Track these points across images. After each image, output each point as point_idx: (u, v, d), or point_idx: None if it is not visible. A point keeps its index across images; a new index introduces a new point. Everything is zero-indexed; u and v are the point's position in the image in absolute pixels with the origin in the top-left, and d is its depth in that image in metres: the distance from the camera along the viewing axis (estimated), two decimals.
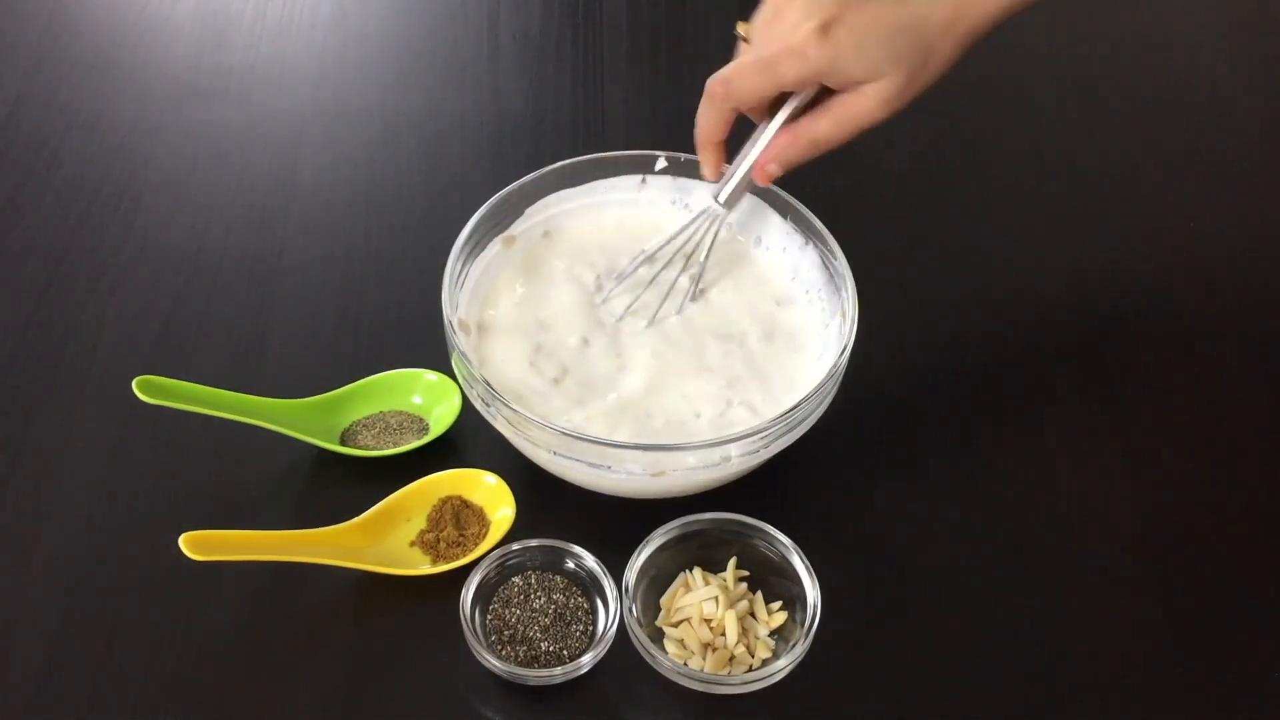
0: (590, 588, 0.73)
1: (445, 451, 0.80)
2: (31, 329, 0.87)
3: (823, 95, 0.72)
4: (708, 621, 0.72)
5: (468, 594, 0.71)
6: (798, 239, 0.82)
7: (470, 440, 0.81)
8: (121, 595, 0.74)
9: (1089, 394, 0.86)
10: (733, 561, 0.74)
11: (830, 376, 0.73)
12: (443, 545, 0.75)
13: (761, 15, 0.73)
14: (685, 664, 0.70)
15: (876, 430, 0.83)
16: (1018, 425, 0.84)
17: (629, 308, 0.80)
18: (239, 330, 0.87)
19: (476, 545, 0.75)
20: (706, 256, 0.81)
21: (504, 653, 0.71)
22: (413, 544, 0.76)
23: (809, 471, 0.80)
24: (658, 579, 0.74)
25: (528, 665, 0.70)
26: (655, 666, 0.70)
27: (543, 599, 0.72)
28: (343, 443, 0.80)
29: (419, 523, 0.77)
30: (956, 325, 0.90)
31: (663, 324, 0.80)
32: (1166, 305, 0.92)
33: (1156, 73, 1.09)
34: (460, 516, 0.76)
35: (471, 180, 0.97)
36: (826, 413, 0.75)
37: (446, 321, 0.74)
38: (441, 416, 0.81)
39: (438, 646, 0.72)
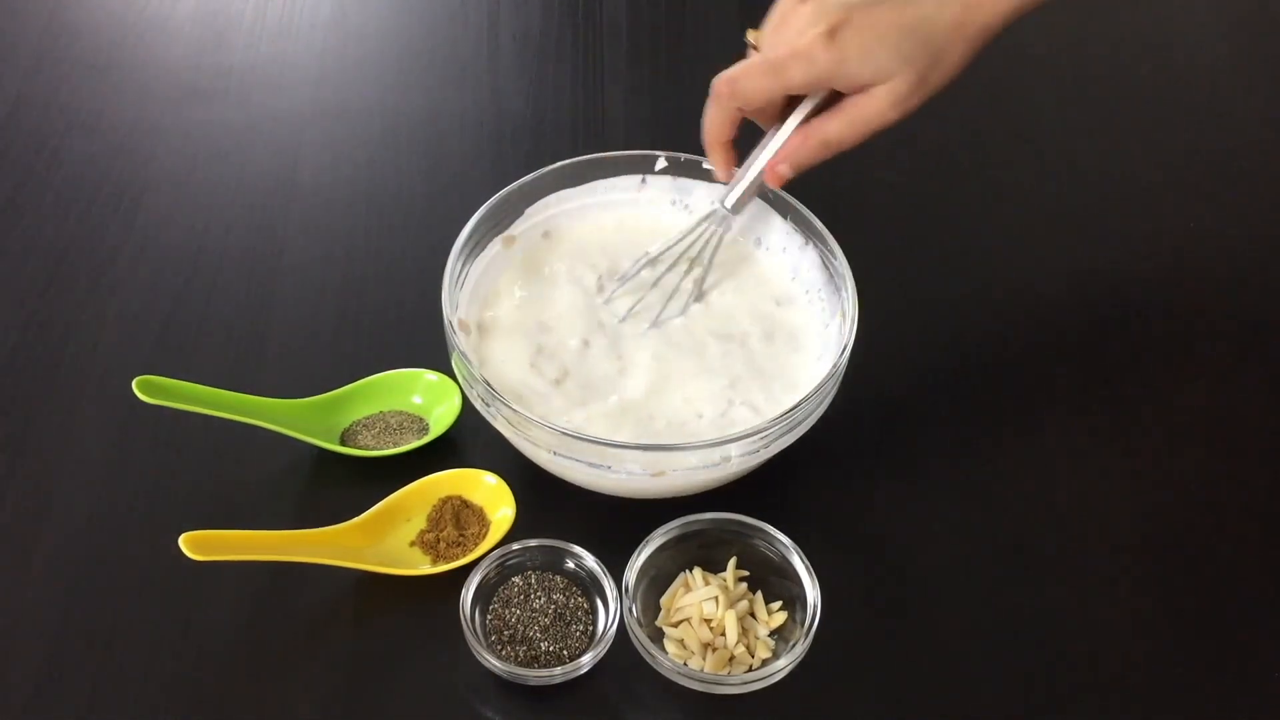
0: (590, 588, 0.73)
1: (445, 451, 0.80)
2: (31, 329, 0.87)
3: (834, 100, 0.73)
4: (708, 621, 0.72)
5: (468, 594, 0.71)
6: (798, 239, 0.82)
7: (470, 440, 0.81)
8: (121, 595, 0.74)
9: (1089, 394, 0.86)
10: (733, 561, 0.74)
11: (830, 376, 0.73)
12: (443, 545, 0.75)
13: (770, 21, 0.73)
14: (685, 664, 0.70)
15: (876, 430, 0.83)
16: (1018, 425, 0.84)
17: (631, 309, 0.80)
18: (239, 330, 0.87)
19: (476, 545, 0.75)
20: (710, 259, 0.81)
21: (504, 653, 0.71)
22: (413, 544, 0.76)
23: (809, 471, 0.80)
24: (658, 579, 0.74)
25: (528, 665, 0.70)
26: (655, 666, 0.70)
27: (543, 599, 0.72)
28: (343, 443, 0.80)
29: (419, 523, 0.77)
30: (956, 325, 0.90)
31: (663, 326, 0.80)
32: (1166, 305, 0.92)
33: (1156, 73, 1.09)
34: (460, 516, 0.76)
35: (471, 180, 0.97)
36: (826, 413, 0.75)
37: (446, 321, 0.74)
38: (441, 416, 0.81)
39: (438, 646, 0.72)
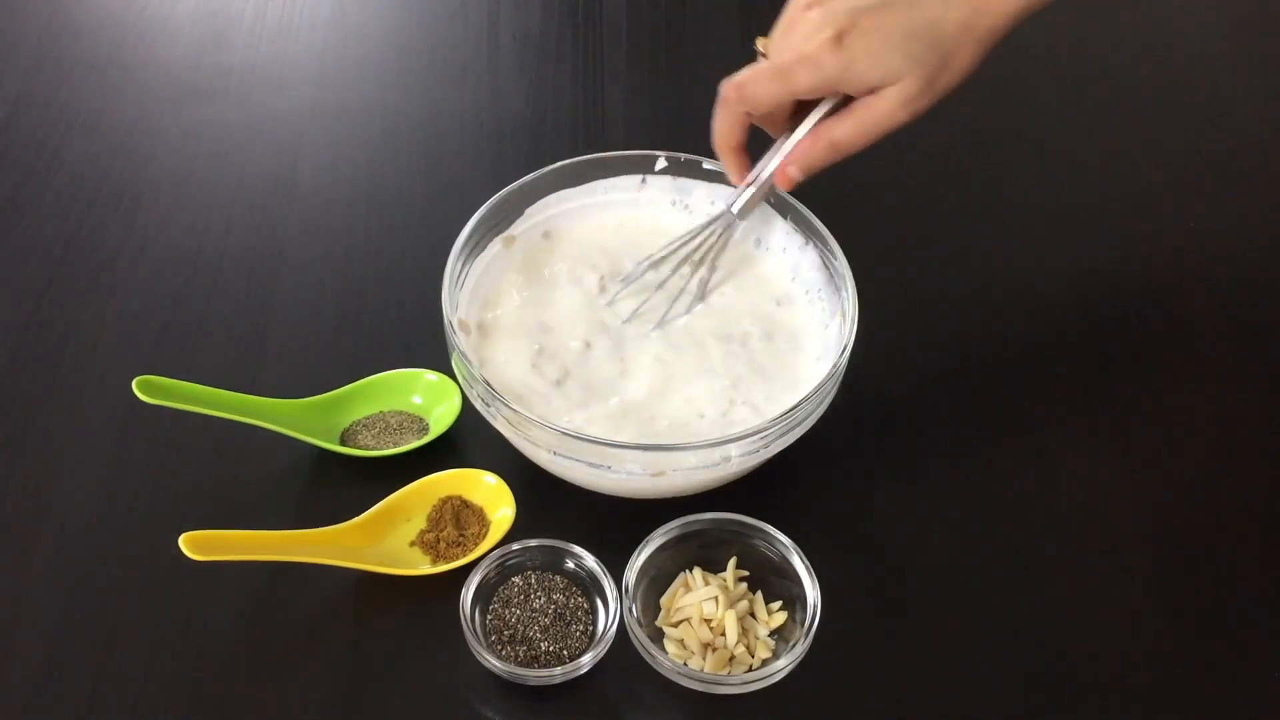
0: (590, 588, 0.73)
1: (445, 451, 0.80)
2: (31, 329, 0.87)
3: (845, 105, 0.73)
4: (708, 621, 0.72)
5: (468, 594, 0.71)
6: (798, 239, 0.82)
7: (470, 440, 0.81)
8: (121, 595, 0.74)
9: (1089, 394, 0.86)
10: (733, 561, 0.74)
11: (830, 376, 0.73)
12: (443, 545, 0.75)
13: (778, 28, 0.74)
14: (685, 664, 0.70)
15: (876, 430, 0.83)
16: (1018, 425, 0.84)
17: (635, 310, 0.80)
18: (239, 330, 0.87)
19: (476, 545, 0.75)
20: (715, 261, 0.81)
21: (504, 653, 0.71)
22: (413, 544, 0.76)
23: (809, 471, 0.80)
24: (658, 579, 0.74)
25: (528, 665, 0.70)
26: (655, 666, 0.70)
27: (543, 599, 0.72)
28: (343, 443, 0.80)
29: (419, 523, 0.77)
30: (956, 325, 0.90)
31: (665, 327, 0.80)
32: (1166, 305, 0.92)
33: (1156, 73, 1.09)
34: (460, 516, 0.76)
35: (471, 180, 0.97)
36: (826, 413, 0.75)
37: (446, 321, 0.74)
38: (441, 416, 0.81)
39: (438, 646, 0.72)
